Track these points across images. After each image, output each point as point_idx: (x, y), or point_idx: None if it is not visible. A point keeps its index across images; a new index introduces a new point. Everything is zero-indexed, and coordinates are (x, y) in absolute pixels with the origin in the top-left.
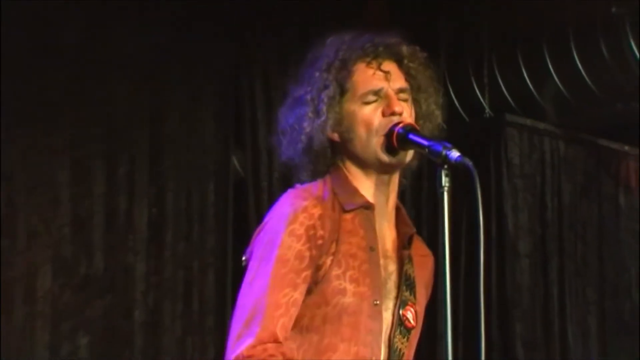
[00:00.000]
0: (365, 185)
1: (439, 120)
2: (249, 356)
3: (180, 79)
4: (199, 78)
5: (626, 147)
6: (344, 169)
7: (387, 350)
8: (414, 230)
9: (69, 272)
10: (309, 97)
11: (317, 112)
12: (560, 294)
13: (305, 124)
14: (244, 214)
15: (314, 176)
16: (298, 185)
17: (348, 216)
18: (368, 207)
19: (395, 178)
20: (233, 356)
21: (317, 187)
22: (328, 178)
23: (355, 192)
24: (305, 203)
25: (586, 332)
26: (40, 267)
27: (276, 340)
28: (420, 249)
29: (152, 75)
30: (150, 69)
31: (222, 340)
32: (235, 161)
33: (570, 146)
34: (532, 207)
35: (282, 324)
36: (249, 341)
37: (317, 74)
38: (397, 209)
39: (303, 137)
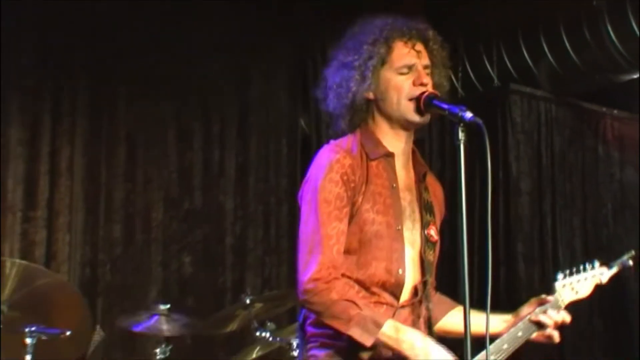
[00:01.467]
0: (388, 137)
1: (446, 89)
2: (317, 278)
3: (260, 58)
4: (274, 58)
5: (604, 109)
6: (372, 124)
7: (421, 263)
8: (427, 168)
9: (175, 208)
10: (356, 63)
11: (362, 77)
12: (553, 223)
13: (352, 84)
14: (309, 162)
15: (349, 126)
16: (332, 141)
17: (373, 163)
18: (389, 155)
19: (412, 132)
20: (305, 278)
21: (346, 142)
22: (358, 133)
23: (378, 143)
24: (337, 156)
25: (573, 252)
26: (154, 204)
27: (335, 264)
28: (433, 183)
29: (239, 56)
30: (237, 51)
31: (293, 259)
32: (302, 122)
33: (560, 108)
34: (530, 156)
35: (336, 250)
36: (314, 266)
37: (364, 46)
38: (413, 152)
39: (349, 95)
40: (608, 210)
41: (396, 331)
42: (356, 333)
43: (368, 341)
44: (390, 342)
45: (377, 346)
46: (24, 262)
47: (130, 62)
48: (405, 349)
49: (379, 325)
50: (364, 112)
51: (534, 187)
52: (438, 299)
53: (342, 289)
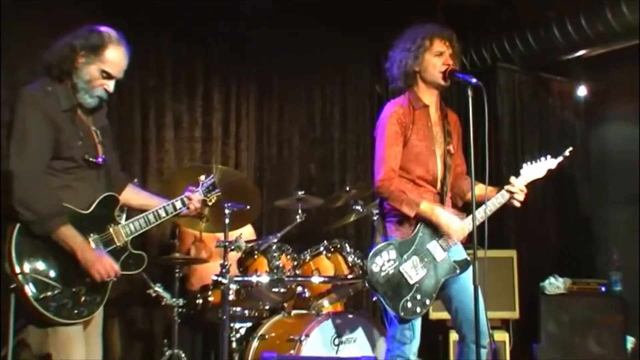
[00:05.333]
0: (426, 94)
1: (459, 65)
2: (384, 179)
3: (354, 49)
4: (362, 49)
5: (552, 76)
6: (416, 88)
7: (444, 165)
8: (447, 109)
9: (305, 137)
10: (412, 49)
11: (415, 57)
12: (522, 144)
13: (409, 61)
14: (379, 112)
15: (403, 85)
16: (392, 100)
17: (417, 111)
18: (426, 106)
19: (439, 90)
20: (377, 178)
21: (401, 99)
22: (407, 93)
23: (419, 99)
24: (395, 108)
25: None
26: (294, 135)
27: (394, 170)
28: (451, 116)
29: (341, 48)
30: (340, 45)
31: (373, 165)
32: (377, 88)
33: (527, 76)
34: (509, 104)
35: (394, 163)
36: (382, 172)
37: (417, 40)
38: (440, 102)
39: (405, 68)
40: (554, 136)
41: (430, 207)
42: (405, 209)
43: (412, 213)
44: (426, 214)
45: (418, 214)
46: (224, 167)
47: (278, 55)
48: (435, 215)
49: (418, 205)
50: (411, 79)
51: (511, 123)
52: (468, 181)
53: (398, 184)
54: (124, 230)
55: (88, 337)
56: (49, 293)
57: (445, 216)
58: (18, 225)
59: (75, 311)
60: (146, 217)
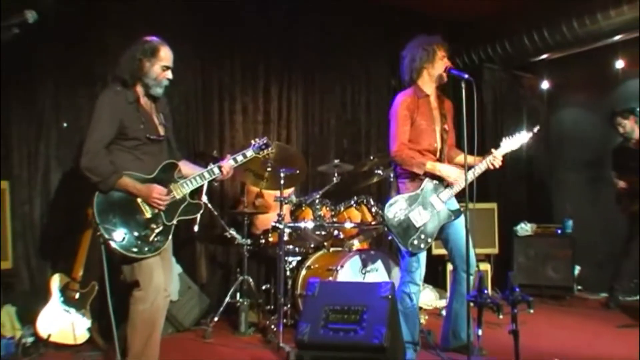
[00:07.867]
0: (428, 87)
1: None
2: (397, 150)
3: (375, 51)
4: (382, 50)
5: (523, 73)
6: (420, 81)
7: (441, 139)
8: (443, 96)
9: (339, 119)
10: (427, 50)
11: (427, 57)
12: (501, 123)
13: (423, 58)
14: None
15: (410, 78)
16: (401, 92)
17: (420, 99)
18: (427, 95)
19: (437, 85)
20: (392, 149)
21: (408, 91)
22: (413, 86)
23: (422, 91)
24: (404, 97)
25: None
26: (331, 118)
27: (404, 143)
28: (447, 103)
29: (366, 50)
30: (365, 47)
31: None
32: (392, 81)
33: (505, 74)
34: (492, 95)
35: (404, 138)
36: (395, 145)
37: (428, 47)
38: (437, 91)
39: (417, 65)
40: (524, 118)
41: (433, 164)
42: (415, 169)
43: (421, 171)
44: (432, 169)
45: (426, 171)
46: (279, 142)
47: (319, 59)
48: (438, 169)
49: (424, 164)
50: (418, 73)
51: (493, 109)
52: (455, 151)
53: (408, 153)
54: (182, 186)
55: (162, 264)
56: (123, 237)
57: (446, 168)
58: (97, 193)
59: (146, 249)
60: (195, 178)
